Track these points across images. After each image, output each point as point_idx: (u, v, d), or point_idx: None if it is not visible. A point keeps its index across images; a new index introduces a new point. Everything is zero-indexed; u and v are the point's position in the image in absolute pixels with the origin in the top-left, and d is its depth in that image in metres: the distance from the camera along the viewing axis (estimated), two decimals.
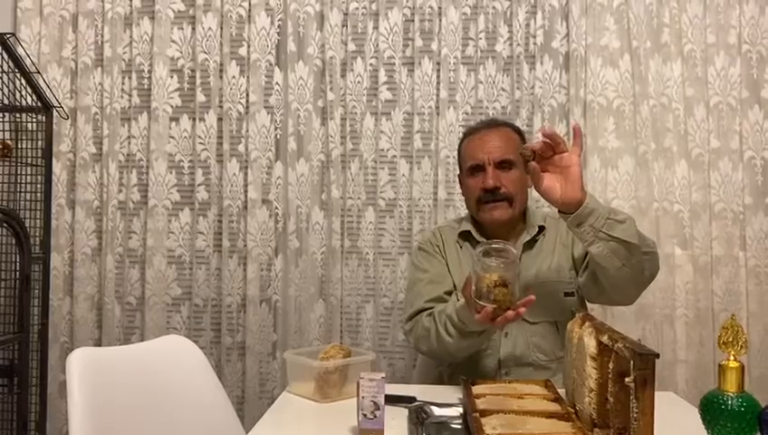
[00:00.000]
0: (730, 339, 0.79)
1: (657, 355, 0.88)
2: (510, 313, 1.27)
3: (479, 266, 1.29)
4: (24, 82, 2.09)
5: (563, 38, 2.19)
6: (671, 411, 1.23)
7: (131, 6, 2.28)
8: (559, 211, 1.39)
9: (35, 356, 2.11)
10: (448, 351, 1.49)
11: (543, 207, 1.96)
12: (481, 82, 2.21)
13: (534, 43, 2.19)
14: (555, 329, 1.59)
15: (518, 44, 2.19)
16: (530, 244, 1.64)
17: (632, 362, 0.88)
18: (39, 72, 2.12)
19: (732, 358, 0.79)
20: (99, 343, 2.25)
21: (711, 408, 0.78)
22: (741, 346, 0.78)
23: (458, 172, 1.76)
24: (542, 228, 1.65)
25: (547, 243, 1.65)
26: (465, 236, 1.68)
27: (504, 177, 1.58)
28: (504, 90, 2.21)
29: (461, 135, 1.76)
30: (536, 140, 1.39)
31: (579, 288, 1.60)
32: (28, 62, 2.09)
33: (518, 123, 2.16)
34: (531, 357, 1.57)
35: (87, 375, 1.27)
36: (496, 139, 1.62)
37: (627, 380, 0.88)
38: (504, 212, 1.59)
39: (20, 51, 2.10)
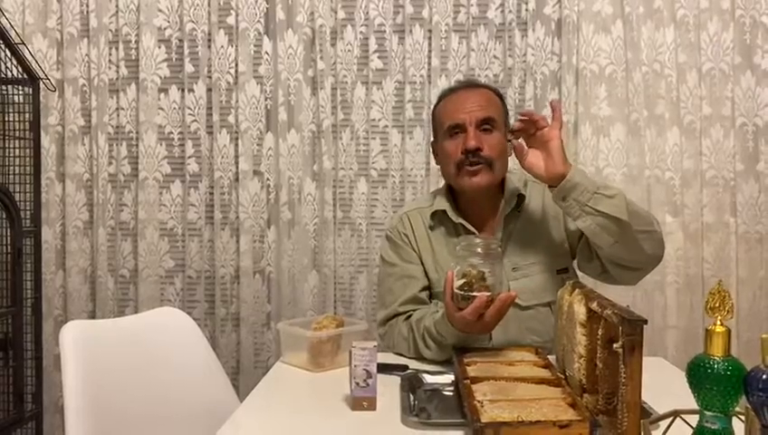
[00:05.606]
0: (717, 304, 0.79)
1: (645, 321, 0.89)
2: (499, 298, 1.24)
3: (458, 264, 1.27)
4: (8, 53, 2.06)
5: (555, 4, 2.17)
6: (660, 376, 1.24)
7: None
8: (548, 186, 1.41)
9: (30, 329, 2.12)
10: (427, 359, 1.44)
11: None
12: (473, 50, 2.19)
13: (526, 10, 2.17)
14: (550, 310, 1.49)
15: (510, 11, 2.16)
16: (511, 217, 1.54)
17: (620, 328, 0.89)
18: (24, 44, 2.09)
19: (718, 323, 0.79)
20: (93, 316, 2.25)
21: (697, 372, 0.78)
22: (727, 311, 0.79)
23: (432, 140, 1.64)
24: (521, 197, 1.54)
25: (532, 213, 1.55)
26: (438, 216, 1.57)
27: (486, 139, 1.48)
28: (496, 57, 2.19)
29: (436, 99, 1.63)
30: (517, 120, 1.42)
31: (574, 265, 1.54)
32: (12, 33, 2.05)
33: (510, 92, 2.16)
34: (525, 341, 1.47)
35: (81, 348, 1.27)
36: (477, 98, 1.52)
37: (615, 346, 0.89)
38: (484, 177, 1.47)
39: (3, 22, 2.06)
